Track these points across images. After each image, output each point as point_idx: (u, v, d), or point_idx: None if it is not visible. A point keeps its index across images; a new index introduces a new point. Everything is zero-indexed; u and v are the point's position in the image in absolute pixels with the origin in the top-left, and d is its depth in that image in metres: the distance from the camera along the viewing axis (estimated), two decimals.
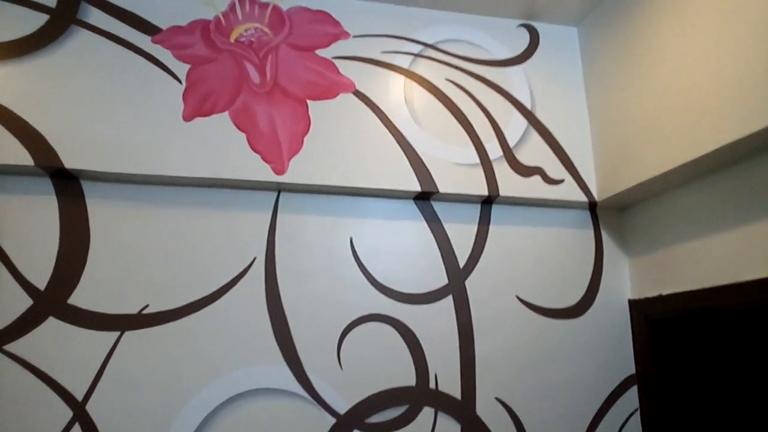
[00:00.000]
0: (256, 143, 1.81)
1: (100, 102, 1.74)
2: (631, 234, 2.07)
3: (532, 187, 1.97)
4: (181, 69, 1.83)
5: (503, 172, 1.95)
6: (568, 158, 2.03)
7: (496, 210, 1.99)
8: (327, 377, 1.75)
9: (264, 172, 1.79)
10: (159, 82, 1.80)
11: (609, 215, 2.09)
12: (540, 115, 2.05)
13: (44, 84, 1.72)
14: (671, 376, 1.90)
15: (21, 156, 1.65)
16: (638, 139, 1.83)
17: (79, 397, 1.60)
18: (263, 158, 1.80)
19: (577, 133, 2.07)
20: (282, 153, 1.82)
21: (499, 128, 2.00)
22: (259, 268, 1.78)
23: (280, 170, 1.80)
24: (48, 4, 1.80)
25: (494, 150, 1.97)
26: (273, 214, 1.83)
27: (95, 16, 1.82)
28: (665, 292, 1.88)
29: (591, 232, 2.06)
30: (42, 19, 1.78)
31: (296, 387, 1.73)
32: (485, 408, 1.83)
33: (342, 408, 1.74)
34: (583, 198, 2.00)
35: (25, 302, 1.63)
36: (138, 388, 1.63)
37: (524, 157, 1.99)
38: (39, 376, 1.60)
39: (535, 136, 2.03)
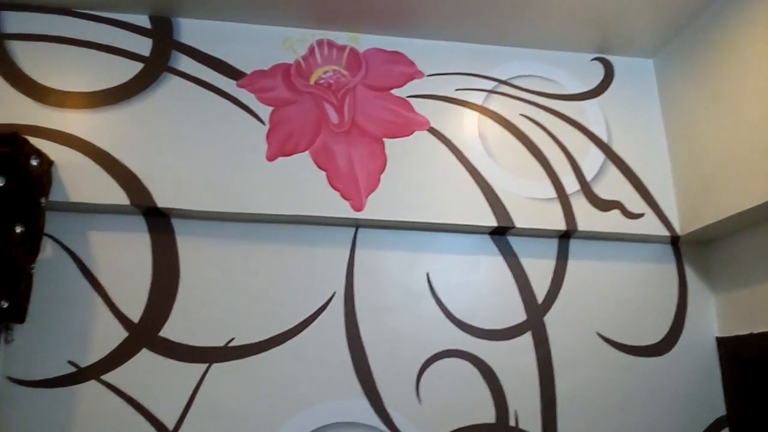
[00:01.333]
0: (335, 181, 1.86)
1: (189, 144, 1.83)
2: (716, 269, 2.00)
3: (611, 222, 1.94)
4: (265, 111, 1.91)
5: (581, 207, 1.93)
6: (648, 192, 1.99)
7: (574, 245, 1.97)
8: (406, 412, 1.75)
9: (343, 209, 1.84)
10: (244, 124, 1.88)
11: (692, 250, 2.03)
12: (617, 149, 2.03)
13: (139, 128, 1.84)
14: (764, 417, 1.81)
15: (118, 196, 1.76)
16: (722, 173, 1.78)
17: (170, 426, 1.66)
18: (342, 195, 1.85)
19: (657, 166, 2.03)
20: (360, 190, 1.86)
21: (576, 162, 1.99)
22: (338, 303, 1.82)
23: (358, 207, 1.84)
24: (142, 53, 1.92)
25: (571, 184, 1.96)
26: (351, 249, 1.87)
27: (185, 63, 1.93)
28: (756, 330, 1.80)
29: (674, 267, 2.01)
30: (137, 67, 1.91)
31: (376, 421, 1.74)
32: None
33: None
34: (665, 232, 1.96)
35: (121, 334, 1.72)
36: (225, 418, 1.68)
37: (602, 191, 1.97)
38: (133, 405, 1.67)
39: (612, 170, 2.01)
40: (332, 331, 1.80)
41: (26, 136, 1.66)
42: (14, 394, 1.65)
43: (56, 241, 1.76)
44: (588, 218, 1.93)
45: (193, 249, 1.81)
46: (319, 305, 1.81)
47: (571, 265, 1.95)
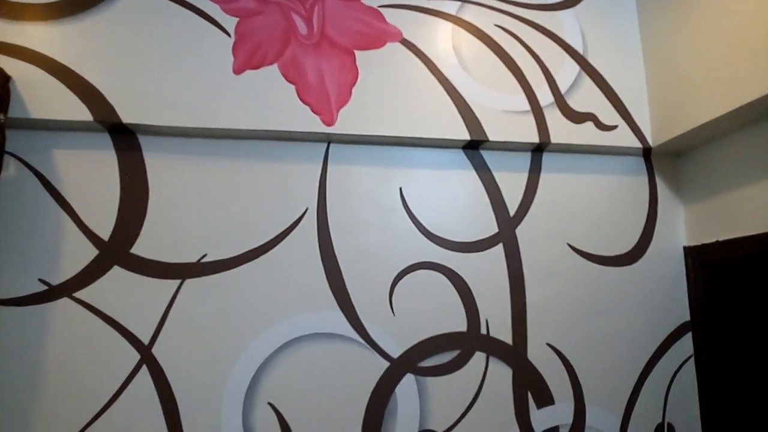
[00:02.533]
0: (305, 95, 1.82)
1: (153, 58, 1.77)
2: (686, 180, 2.02)
3: (585, 134, 1.93)
4: (230, 22, 1.84)
5: (555, 119, 1.92)
6: (622, 104, 1.98)
7: (547, 158, 1.97)
8: (380, 323, 1.78)
9: (313, 124, 1.81)
10: (209, 36, 1.82)
11: (664, 161, 2.04)
12: (593, 60, 2.00)
13: (100, 41, 1.76)
14: (727, 322, 1.87)
15: (80, 112, 1.71)
16: (694, 83, 1.77)
17: (146, 341, 1.68)
18: (312, 110, 1.81)
19: (632, 77, 2.01)
20: (331, 104, 1.82)
21: (550, 74, 1.96)
22: (311, 219, 1.82)
23: (329, 121, 1.81)
24: None
25: (545, 96, 1.94)
26: (323, 165, 1.85)
27: None
28: (722, 238, 1.83)
29: (645, 179, 2.02)
30: None
31: (351, 332, 1.77)
32: (537, 353, 1.85)
33: (395, 352, 1.78)
34: (638, 144, 1.96)
35: (91, 252, 1.71)
36: (200, 332, 1.70)
37: (576, 104, 1.95)
38: (107, 322, 1.68)
39: (587, 82, 1.98)
40: (305, 247, 1.80)
41: None
42: None
43: (19, 159, 1.72)
44: (561, 131, 1.92)
45: (161, 166, 1.77)
46: (292, 221, 1.81)
47: (544, 178, 1.96)
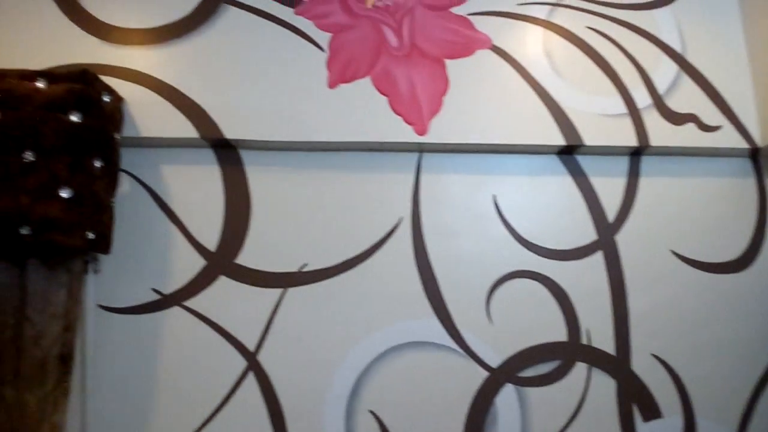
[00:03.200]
0: (397, 105, 1.84)
1: (252, 75, 1.84)
2: None
3: (686, 136, 1.86)
4: (323, 38, 1.89)
5: (653, 121, 1.86)
6: (726, 103, 1.90)
7: (646, 161, 1.91)
8: (478, 331, 1.78)
9: (406, 134, 1.83)
10: (304, 52, 1.87)
11: None
12: (692, 59, 1.93)
13: (202, 61, 1.85)
14: None
15: (187, 129, 1.80)
16: None
17: (251, 348, 1.74)
18: (405, 120, 1.83)
19: (736, 74, 1.92)
20: (422, 114, 1.84)
21: (647, 75, 1.91)
22: (405, 228, 1.83)
23: (421, 131, 1.83)
24: None
25: (642, 98, 1.88)
26: (416, 174, 1.87)
27: None
28: None
29: (753, 181, 1.92)
30: (195, 0, 1.90)
31: (448, 341, 1.77)
32: (642, 364, 1.79)
33: (494, 362, 1.77)
34: (744, 144, 1.87)
35: (199, 263, 1.79)
36: (302, 340, 1.75)
37: (676, 104, 1.88)
38: (215, 329, 1.75)
39: (687, 81, 1.91)
40: (401, 255, 1.82)
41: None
42: (105, 321, 1.75)
43: (131, 175, 1.82)
44: (661, 133, 1.86)
45: (262, 179, 1.84)
46: (387, 230, 1.83)
47: (643, 182, 1.90)
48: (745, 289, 1.85)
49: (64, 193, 1.55)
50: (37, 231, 1.53)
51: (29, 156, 1.55)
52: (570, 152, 1.90)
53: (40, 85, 1.60)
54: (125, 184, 1.81)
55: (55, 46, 1.84)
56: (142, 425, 1.71)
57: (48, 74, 1.63)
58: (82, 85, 1.61)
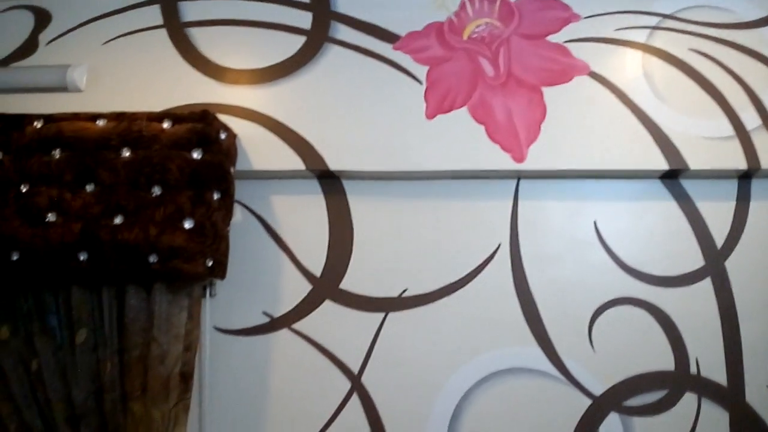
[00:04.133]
0: (494, 134, 1.88)
1: (354, 109, 1.93)
2: None
3: None
4: (421, 71, 1.96)
5: (764, 143, 1.80)
6: None
7: (756, 184, 1.84)
8: (580, 359, 1.77)
9: (504, 161, 1.85)
10: (403, 85, 1.94)
11: None
12: None
13: (307, 98, 1.96)
14: None
15: (294, 162, 1.91)
16: None
17: (355, 371, 1.81)
18: (502, 148, 1.86)
19: None
20: (520, 141, 1.86)
21: (756, 95, 1.84)
22: (504, 254, 1.86)
23: (519, 158, 1.85)
24: (304, 27, 2.04)
25: (751, 120, 1.82)
26: (514, 201, 1.89)
27: (343, 32, 2.02)
28: None
29: None
30: (300, 40, 2.03)
31: (549, 367, 1.77)
32: (756, 396, 1.72)
33: (597, 390, 1.75)
34: None
35: (305, 287, 1.89)
36: (404, 363, 1.80)
37: None
38: (321, 352, 1.84)
39: None
40: (500, 281, 1.84)
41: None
42: (220, 342, 1.88)
43: (243, 205, 1.95)
44: None
45: (363, 207, 1.92)
46: (486, 257, 1.86)
47: (754, 206, 1.83)
48: None
49: (187, 224, 1.68)
50: (163, 259, 1.67)
51: (157, 190, 1.71)
52: (674, 176, 1.86)
53: (166, 125, 1.76)
54: (238, 214, 1.94)
55: (176, 87, 2.01)
56: None
57: (172, 116, 1.78)
58: (203, 124, 1.75)
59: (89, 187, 1.70)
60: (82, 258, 1.67)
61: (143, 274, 1.70)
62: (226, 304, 1.89)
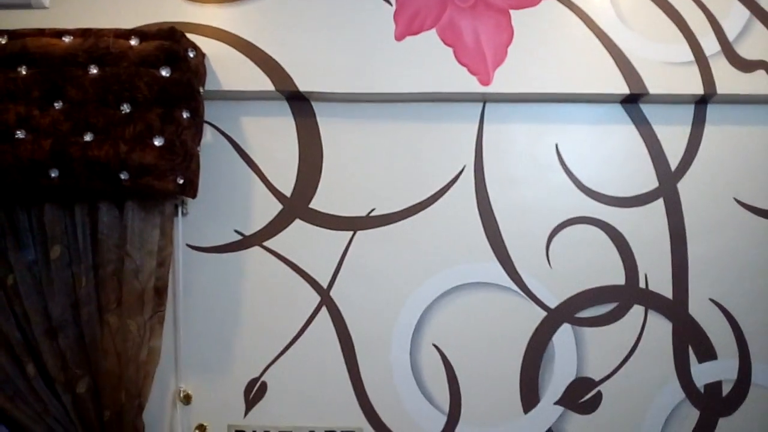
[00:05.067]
0: (462, 57, 1.90)
1: (324, 30, 1.93)
2: None
3: (755, 83, 1.84)
4: None
5: (721, 69, 1.85)
6: None
7: (712, 110, 1.91)
8: (537, 275, 1.87)
9: (471, 84, 1.89)
10: (372, 6, 1.94)
11: None
12: (765, 3, 1.88)
13: (277, 18, 1.94)
14: None
15: (263, 83, 1.92)
16: None
17: (324, 285, 1.89)
18: (470, 71, 1.89)
19: None
20: (487, 64, 1.89)
21: (717, 21, 1.88)
22: (468, 175, 1.92)
23: (485, 81, 1.88)
24: None
25: (711, 45, 1.87)
26: (479, 124, 1.94)
27: None
28: None
29: None
30: None
31: (508, 282, 1.87)
32: (699, 308, 1.85)
33: (552, 303, 1.86)
34: None
35: (276, 207, 1.94)
36: (371, 279, 1.89)
37: (746, 51, 1.86)
38: (292, 268, 1.91)
39: (758, 28, 1.88)
40: (464, 202, 1.91)
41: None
42: (193, 259, 1.93)
43: (213, 126, 1.97)
44: (729, 81, 1.85)
45: (333, 129, 1.95)
46: (451, 178, 1.92)
47: (708, 130, 1.91)
48: None
49: (157, 142, 1.71)
50: (134, 176, 1.70)
51: (126, 108, 1.72)
52: (634, 101, 1.92)
53: (133, 42, 1.75)
54: (208, 135, 1.95)
55: (142, 5, 1.96)
56: (226, 352, 1.91)
57: (140, 33, 1.77)
58: (171, 41, 1.75)
59: (57, 105, 1.70)
60: (53, 175, 1.69)
61: (115, 191, 1.73)
62: (198, 222, 1.94)
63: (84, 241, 1.79)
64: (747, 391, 1.83)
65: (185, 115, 1.76)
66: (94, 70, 1.71)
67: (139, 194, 1.76)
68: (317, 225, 1.92)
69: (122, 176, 1.69)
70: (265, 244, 1.92)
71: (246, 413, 1.89)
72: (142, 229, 1.81)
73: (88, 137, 1.69)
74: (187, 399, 1.89)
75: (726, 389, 1.84)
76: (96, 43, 1.71)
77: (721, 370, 1.84)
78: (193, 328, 1.91)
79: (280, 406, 1.89)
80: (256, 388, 1.90)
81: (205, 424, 1.90)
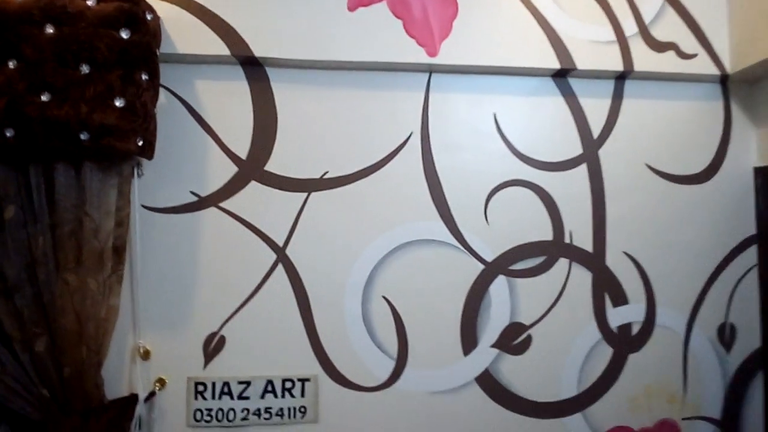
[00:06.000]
0: (411, 29, 2.02)
1: None
2: (760, 106, 2.17)
3: (666, 62, 2.09)
4: None
5: (638, 49, 2.08)
6: (703, 33, 2.12)
7: (629, 85, 2.14)
8: (476, 232, 2.06)
9: (418, 55, 2.02)
10: None
11: (739, 88, 2.19)
12: None
13: None
14: None
15: (218, 47, 1.96)
16: None
17: (280, 244, 2.00)
18: (418, 42, 2.02)
19: (713, 7, 2.13)
20: (434, 37, 2.03)
21: (635, 5, 2.10)
22: (415, 141, 2.07)
23: (432, 53, 2.02)
24: None
25: (630, 27, 2.09)
26: (426, 93, 2.08)
27: None
28: None
29: (721, 104, 2.18)
30: None
31: (450, 239, 2.05)
32: (614, 260, 2.10)
33: (489, 257, 2.06)
34: (716, 71, 2.11)
35: (231, 169, 2.01)
36: (325, 237, 2.01)
37: (659, 33, 2.10)
38: (248, 227, 2.00)
39: (670, 12, 2.12)
40: (411, 166, 2.06)
41: None
42: (149, 220, 1.97)
43: (168, 89, 2.00)
44: (645, 59, 2.08)
45: (287, 95, 2.03)
46: (399, 143, 2.06)
47: (626, 103, 2.14)
48: (705, 198, 2.15)
49: (118, 103, 1.73)
50: (95, 136, 1.72)
51: (85, 69, 1.72)
52: (563, 75, 2.12)
53: (90, 2, 1.75)
54: (162, 97, 1.98)
55: None
56: (184, 308, 1.97)
57: None
58: (130, 3, 1.76)
59: (12, 63, 1.69)
60: (8, 134, 1.68)
61: (74, 151, 1.74)
62: (154, 183, 1.97)
63: (40, 202, 1.79)
64: (652, 330, 2.12)
65: (144, 77, 1.79)
66: (50, 30, 1.70)
67: (97, 155, 1.78)
68: (272, 187, 2.01)
69: (82, 136, 1.70)
70: (221, 205, 1.99)
71: (205, 366, 1.97)
72: (100, 189, 1.83)
73: (45, 97, 1.69)
74: (146, 354, 1.95)
75: (635, 330, 2.13)
76: (52, 2, 1.70)
77: (631, 313, 2.11)
78: (151, 286, 1.95)
79: (238, 358, 1.98)
80: (214, 342, 1.98)
81: (164, 377, 1.96)
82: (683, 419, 2.13)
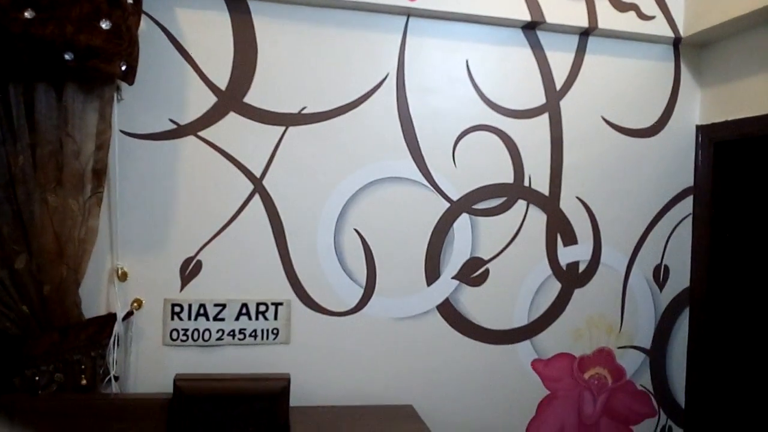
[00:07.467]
0: None
1: None
2: (707, 69, 2.36)
3: (627, 22, 2.24)
4: None
5: (603, 7, 2.22)
6: None
7: (592, 41, 2.29)
8: (444, 172, 2.19)
9: None
10: None
11: (690, 51, 2.37)
12: None
13: None
14: (725, 190, 2.29)
15: None
16: None
17: (257, 174, 2.08)
18: None
19: None
20: None
21: None
22: (391, 83, 2.16)
23: None
24: None
25: None
26: (403, 36, 2.16)
27: None
28: (730, 117, 2.21)
29: (672, 65, 2.36)
30: None
31: (420, 177, 2.18)
32: (567, 204, 2.29)
33: (455, 196, 2.21)
34: (670, 34, 2.27)
35: (211, 99, 2.05)
36: (301, 170, 2.10)
37: None
38: (226, 157, 2.06)
39: None
40: (386, 106, 2.16)
41: None
42: (127, 146, 1.99)
43: (148, 15, 2.00)
44: (608, 18, 2.23)
45: (268, 29, 2.07)
46: (376, 83, 2.15)
47: (588, 59, 2.29)
48: (652, 151, 2.35)
49: (105, 25, 1.74)
50: (81, 57, 1.73)
51: None
52: (532, 27, 2.24)
53: None
54: (142, 24, 1.98)
55: None
56: (162, 233, 2.03)
57: None
58: None
59: None
60: None
61: (57, 71, 1.75)
62: (133, 109, 1.99)
63: (19, 121, 1.80)
64: (597, 268, 2.34)
65: (129, 0, 1.80)
66: None
67: (79, 76, 1.79)
68: (251, 119, 2.07)
69: (67, 57, 1.71)
70: (200, 134, 2.04)
71: (182, 289, 2.05)
72: (81, 111, 1.85)
73: (28, 14, 1.68)
74: (123, 276, 2.01)
75: (582, 267, 2.33)
76: None
77: (579, 253, 2.32)
78: (129, 210, 2.00)
79: (214, 282, 2.07)
80: (191, 267, 2.06)
81: (141, 298, 2.03)
82: (618, 348, 2.38)
